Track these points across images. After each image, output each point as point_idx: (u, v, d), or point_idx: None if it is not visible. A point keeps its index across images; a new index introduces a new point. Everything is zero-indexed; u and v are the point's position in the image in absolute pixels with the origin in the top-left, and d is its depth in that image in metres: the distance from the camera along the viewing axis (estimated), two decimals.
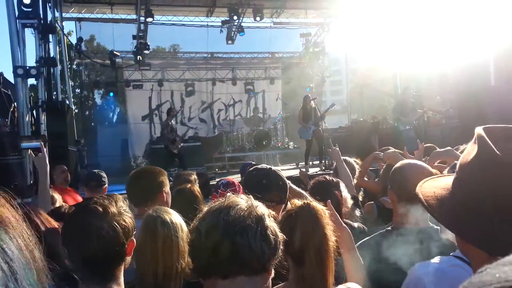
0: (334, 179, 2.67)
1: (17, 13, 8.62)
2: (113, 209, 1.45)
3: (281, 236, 1.16)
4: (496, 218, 0.84)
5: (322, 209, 1.58)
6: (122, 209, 1.49)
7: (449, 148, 2.00)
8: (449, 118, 11.34)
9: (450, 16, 11.63)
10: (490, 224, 0.85)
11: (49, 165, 3.02)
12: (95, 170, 4.39)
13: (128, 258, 1.51)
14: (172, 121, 11.03)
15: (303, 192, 2.27)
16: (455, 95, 11.60)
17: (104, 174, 4.19)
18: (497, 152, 0.85)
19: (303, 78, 17.68)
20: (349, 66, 19.36)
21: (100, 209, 1.43)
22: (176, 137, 10.80)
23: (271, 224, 1.15)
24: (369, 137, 12.57)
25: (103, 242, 1.38)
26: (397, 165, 2.12)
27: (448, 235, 1.57)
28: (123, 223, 1.44)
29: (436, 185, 1.06)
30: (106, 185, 4.16)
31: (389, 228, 2.13)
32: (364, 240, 2.05)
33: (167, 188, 2.66)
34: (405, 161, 2.20)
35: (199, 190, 3.03)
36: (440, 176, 1.13)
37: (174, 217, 1.82)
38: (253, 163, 5.08)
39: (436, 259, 1.60)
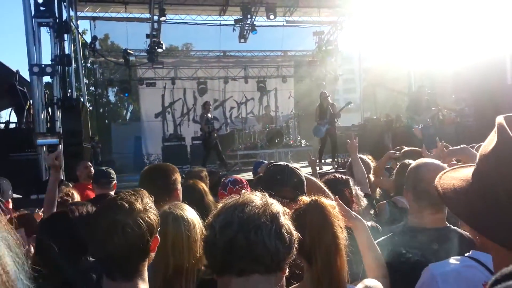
0: (344, 177, 2.65)
1: (33, 12, 8.74)
2: (138, 205, 1.46)
3: (295, 234, 1.16)
4: None
5: (330, 205, 1.56)
6: (148, 206, 1.50)
7: (464, 145, 1.97)
8: (464, 117, 11.17)
9: (465, 13, 11.46)
10: (510, 218, 0.81)
11: (67, 162, 3.05)
12: (103, 168, 4.44)
13: (152, 254, 1.52)
14: (209, 114, 10.97)
15: (324, 187, 2.23)
16: (470, 94, 11.43)
17: (112, 171, 4.23)
18: None
19: (315, 76, 17.62)
20: (362, 65, 19.21)
21: (126, 205, 1.44)
22: (213, 129, 10.76)
23: (286, 222, 1.14)
24: (383, 135, 12.47)
25: (128, 238, 1.39)
26: (413, 164, 2.10)
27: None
28: (148, 220, 1.45)
29: (456, 176, 1.02)
30: (115, 181, 4.20)
31: (403, 227, 2.11)
32: (378, 240, 2.04)
33: (179, 185, 2.67)
34: (421, 160, 2.17)
35: (204, 185, 3.03)
36: (462, 167, 1.09)
37: (188, 213, 1.82)
38: (264, 161, 5.08)
39: (450, 260, 1.58)
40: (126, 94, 16.21)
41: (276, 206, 1.16)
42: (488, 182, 0.87)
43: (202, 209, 1.92)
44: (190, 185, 2.98)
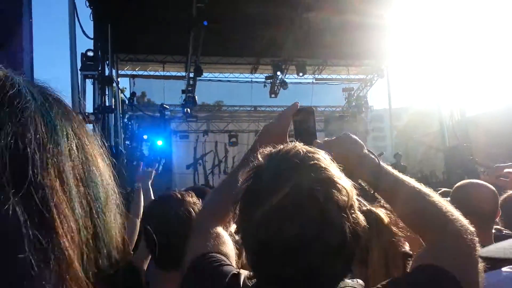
0: None
1: (79, 65, 9.40)
2: (189, 198, 1.59)
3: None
4: None
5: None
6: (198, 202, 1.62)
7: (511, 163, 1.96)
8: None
9: (498, 65, 11.48)
10: None
11: None
12: None
13: None
14: None
15: None
16: (506, 150, 11.13)
17: None
18: None
19: (346, 131, 17.64)
20: (393, 122, 19.16)
21: (179, 196, 1.58)
22: None
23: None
24: None
25: (180, 223, 1.45)
26: (461, 183, 2.08)
27: None
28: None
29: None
30: None
31: None
32: None
33: None
34: (468, 180, 2.16)
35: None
36: None
37: None
38: None
39: (506, 268, 1.51)
40: (162, 140, 16.48)
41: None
42: None
43: None
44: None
